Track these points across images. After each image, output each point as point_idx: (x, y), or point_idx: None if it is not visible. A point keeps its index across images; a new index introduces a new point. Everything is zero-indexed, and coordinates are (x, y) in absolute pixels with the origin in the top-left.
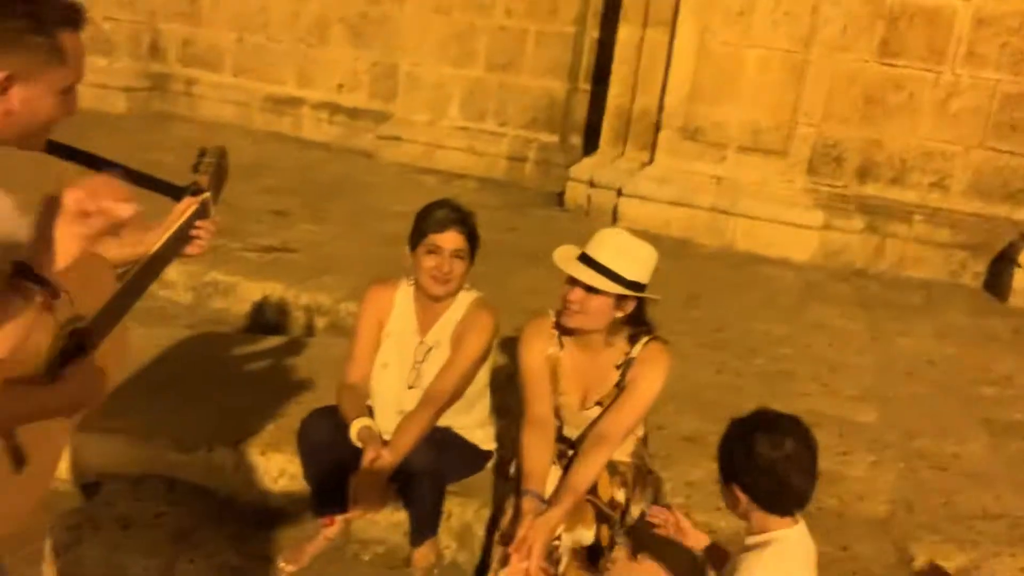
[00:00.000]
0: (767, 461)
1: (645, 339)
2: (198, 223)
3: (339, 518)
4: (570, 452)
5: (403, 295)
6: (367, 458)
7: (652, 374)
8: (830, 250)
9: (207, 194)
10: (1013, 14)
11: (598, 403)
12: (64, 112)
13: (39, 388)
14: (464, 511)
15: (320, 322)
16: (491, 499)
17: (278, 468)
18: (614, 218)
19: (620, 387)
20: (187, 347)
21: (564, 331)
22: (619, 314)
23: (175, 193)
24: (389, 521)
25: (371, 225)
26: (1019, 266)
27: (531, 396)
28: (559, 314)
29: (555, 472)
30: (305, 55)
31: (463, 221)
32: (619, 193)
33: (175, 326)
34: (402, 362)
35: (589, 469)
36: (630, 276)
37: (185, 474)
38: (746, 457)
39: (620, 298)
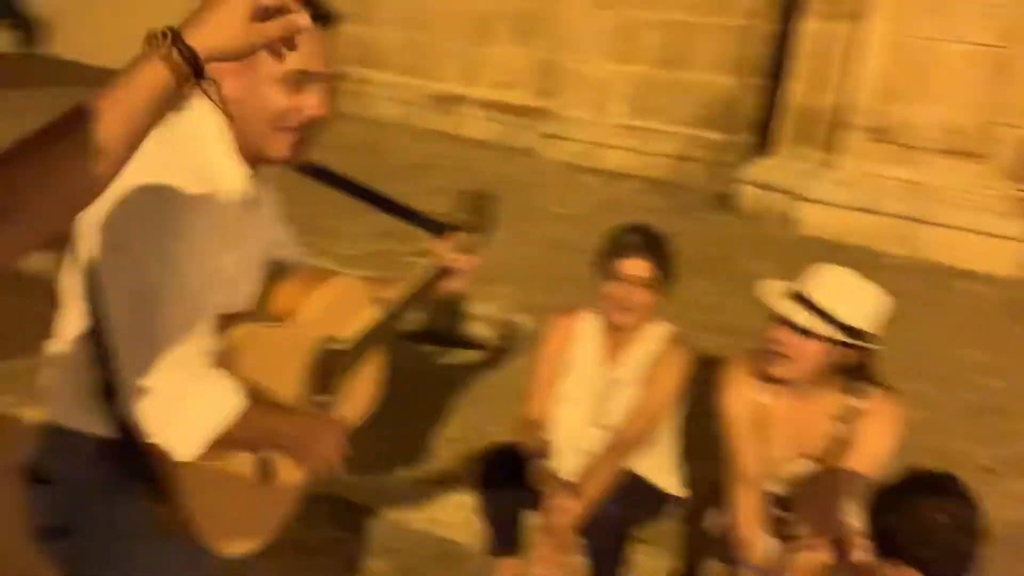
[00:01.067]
0: (932, 526)
1: (875, 390)
2: (461, 258)
3: (515, 562)
4: (781, 513)
5: (588, 325)
6: (551, 505)
7: (882, 432)
8: None
9: (471, 234)
10: None
11: (810, 457)
12: (291, 107)
13: (289, 410)
14: (653, 561)
15: (490, 333)
16: (684, 551)
17: (454, 500)
18: (789, 224)
19: (839, 442)
20: None
21: (766, 377)
22: (834, 362)
23: (435, 228)
24: (569, 568)
25: (535, 229)
26: None
27: (738, 450)
28: (762, 358)
29: (766, 538)
30: (469, 53)
31: (652, 247)
32: (795, 197)
33: None
34: (585, 397)
35: None
36: (852, 321)
37: (359, 497)
38: (908, 526)
39: (838, 346)
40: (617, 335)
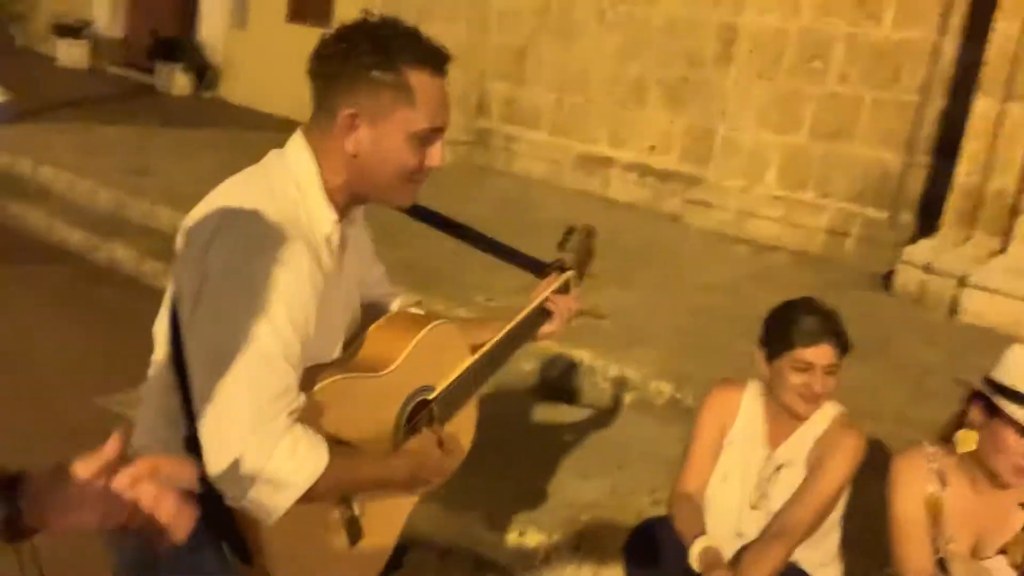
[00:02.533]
0: None
1: None
2: (558, 300)
3: None
4: None
5: (751, 399)
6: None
7: None
8: None
9: (570, 272)
10: None
11: (1002, 551)
12: (418, 163)
13: (380, 458)
14: None
15: (627, 398)
16: None
17: (592, 568)
18: (953, 310)
19: None
20: (496, 408)
21: (951, 458)
22: None
23: (538, 268)
24: None
25: (680, 295)
26: None
27: (907, 552)
28: (995, 465)
29: None
30: (620, 116)
31: (836, 331)
32: (961, 282)
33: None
34: (745, 477)
35: None
36: None
37: (494, 554)
38: None
39: None
40: (787, 415)
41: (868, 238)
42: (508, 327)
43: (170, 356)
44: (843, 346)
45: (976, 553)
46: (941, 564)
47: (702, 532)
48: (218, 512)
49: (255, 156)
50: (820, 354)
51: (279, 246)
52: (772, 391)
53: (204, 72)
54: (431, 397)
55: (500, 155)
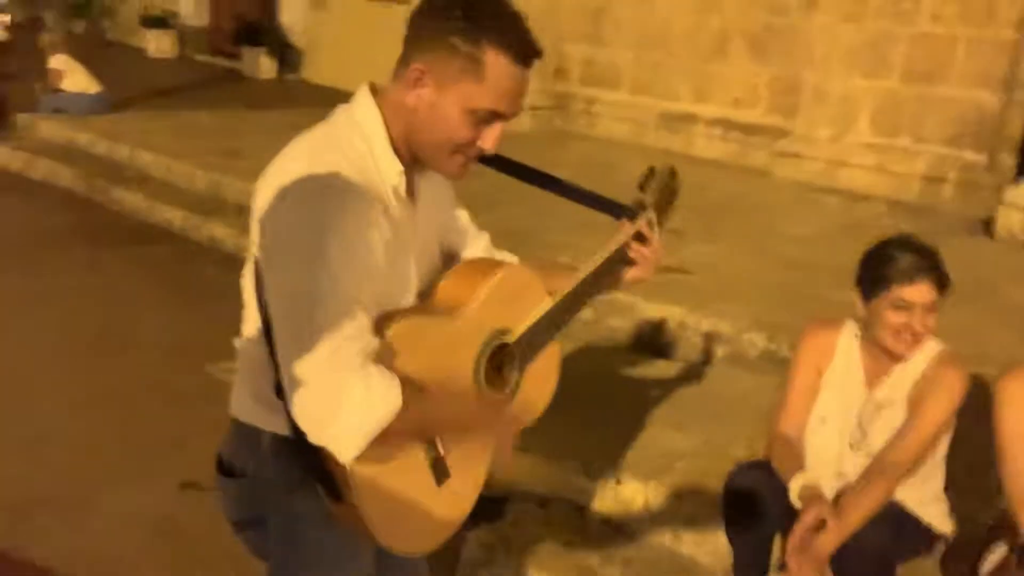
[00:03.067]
0: None
1: None
2: (638, 247)
3: None
4: None
5: (847, 340)
6: (809, 517)
7: None
8: None
9: (649, 214)
10: None
11: None
12: (470, 138)
13: (452, 401)
14: None
15: (720, 351)
16: None
17: (690, 512)
18: None
19: None
20: (589, 365)
21: None
22: None
23: (616, 211)
24: None
25: (769, 247)
26: None
27: (1016, 469)
28: None
29: None
30: (702, 71)
31: (935, 268)
32: None
33: (575, 340)
34: (844, 418)
35: None
36: None
37: (593, 502)
38: None
39: None
40: (885, 354)
41: (966, 182)
42: (585, 271)
43: (256, 307)
44: (942, 283)
45: None
46: None
47: (803, 470)
48: (309, 453)
49: None
50: (919, 292)
51: (345, 196)
52: (870, 331)
53: (287, 54)
54: (511, 340)
55: (581, 118)
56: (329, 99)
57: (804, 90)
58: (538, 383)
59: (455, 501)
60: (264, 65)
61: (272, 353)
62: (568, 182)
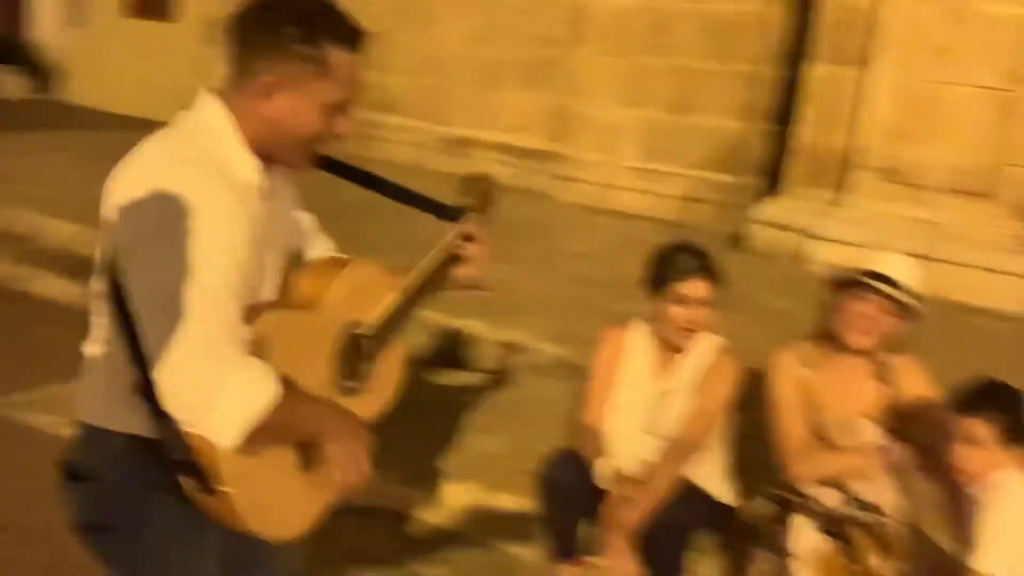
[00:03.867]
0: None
1: (906, 357)
2: (468, 245)
3: (575, 568)
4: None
5: (637, 337)
6: (610, 500)
7: (920, 382)
8: None
9: (473, 216)
10: None
11: (865, 415)
12: (330, 131)
13: (324, 400)
14: (708, 570)
15: (519, 361)
16: (737, 560)
17: (506, 508)
18: (801, 262)
19: (890, 398)
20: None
21: (817, 346)
22: (894, 333)
23: (442, 212)
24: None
25: (557, 265)
26: None
27: (786, 429)
28: (843, 334)
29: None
30: (480, 97)
31: (708, 266)
32: (807, 235)
33: None
34: (638, 406)
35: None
36: (916, 291)
37: (415, 510)
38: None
39: (904, 315)
40: (669, 347)
41: (720, 202)
42: (420, 270)
43: (111, 314)
44: (715, 280)
45: (847, 417)
46: (820, 430)
47: (604, 454)
48: (175, 450)
49: (107, 154)
50: (694, 288)
51: (206, 190)
52: (656, 327)
53: (41, 73)
54: (363, 332)
55: (364, 141)
56: (90, 119)
57: (574, 118)
58: (386, 377)
59: (318, 488)
60: (13, 83)
61: (132, 353)
62: (403, 186)
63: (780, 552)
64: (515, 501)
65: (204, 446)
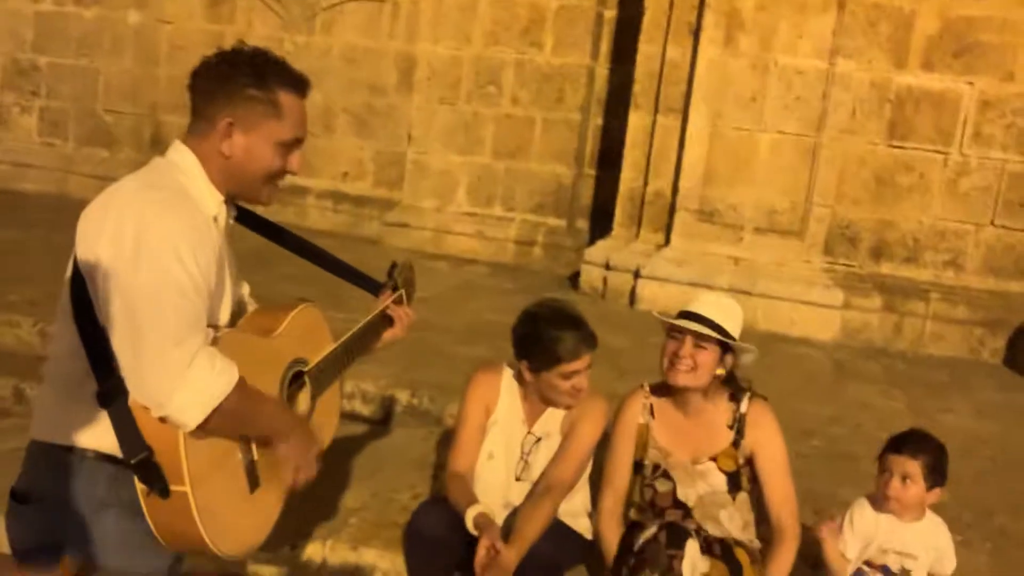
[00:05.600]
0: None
1: (747, 396)
2: (397, 309)
3: None
4: (689, 523)
5: (508, 383)
6: (483, 546)
7: (774, 436)
8: (851, 328)
9: (400, 291)
10: (1016, 96)
11: (712, 459)
12: (282, 167)
13: (280, 403)
14: None
15: (365, 410)
16: None
17: (370, 564)
18: (632, 300)
19: (737, 445)
20: None
21: (663, 392)
22: (720, 371)
23: (373, 286)
24: None
25: None
26: None
27: (612, 470)
28: (664, 373)
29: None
30: (310, 145)
31: (590, 336)
32: (636, 275)
33: None
34: (509, 453)
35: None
36: (731, 330)
37: (270, 571)
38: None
39: (722, 355)
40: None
41: (552, 244)
42: (361, 324)
43: (75, 328)
44: (596, 343)
45: (694, 461)
46: (665, 473)
47: (476, 501)
48: (135, 452)
49: None
50: (584, 361)
51: (181, 214)
52: (538, 392)
53: None
54: (306, 369)
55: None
56: None
57: (407, 165)
58: (324, 418)
59: (263, 509)
60: None
61: (95, 362)
62: (336, 258)
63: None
64: (380, 556)
65: (165, 445)
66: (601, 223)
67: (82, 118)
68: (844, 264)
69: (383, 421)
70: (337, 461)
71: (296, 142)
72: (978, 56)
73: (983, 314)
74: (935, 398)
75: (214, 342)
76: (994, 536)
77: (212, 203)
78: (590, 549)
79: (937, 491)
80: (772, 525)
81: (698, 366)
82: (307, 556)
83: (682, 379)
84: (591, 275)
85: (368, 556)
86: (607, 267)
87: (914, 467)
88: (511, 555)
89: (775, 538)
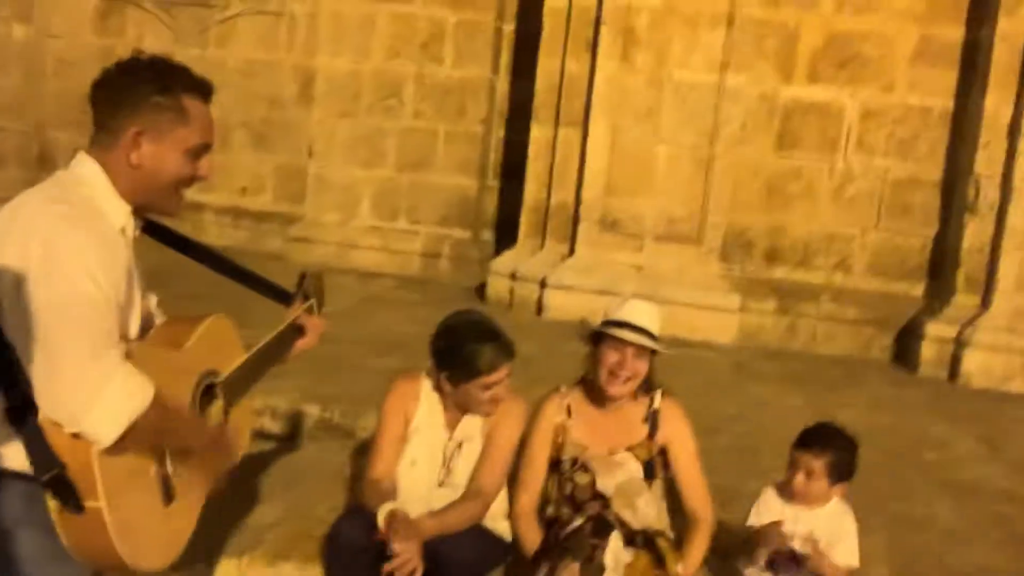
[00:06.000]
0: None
1: (659, 392)
2: (309, 319)
3: None
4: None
5: (428, 391)
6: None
7: (685, 429)
8: (748, 331)
9: (312, 301)
10: (896, 106)
11: (628, 449)
12: (191, 173)
13: (189, 413)
14: None
15: (277, 427)
16: None
17: None
18: (539, 309)
19: (652, 438)
20: None
21: (581, 392)
22: (643, 373)
23: (283, 297)
24: None
25: None
26: (924, 339)
27: (527, 474)
28: (603, 385)
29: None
30: None
31: (508, 347)
32: (542, 284)
33: None
34: (431, 459)
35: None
36: (658, 334)
37: None
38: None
39: (652, 355)
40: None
41: (457, 256)
42: (273, 334)
43: None
44: (513, 354)
45: (611, 452)
46: (584, 465)
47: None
48: (47, 469)
49: None
50: (502, 372)
51: (86, 224)
52: (456, 402)
53: None
54: (218, 381)
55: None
56: None
57: (308, 179)
58: (237, 430)
59: (178, 523)
60: None
61: (2, 382)
62: (244, 268)
63: (594, 568)
64: (300, 570)
65: (78, 460)
66: (506, 234)
67: None
68: (740, 269)
69: (292, 437)
70: (250, 477)
71: (204, 147)
72: (860, 67)
73: (872, 314)
74: (833, 393)
75: (128, 356)
76: (889, 523)
77: (120, 215)
78: (508, 551)
79: (842, 486)
80: (687, 514)
81: (637, 375)
82: (223, 573)
83: (621, 390)
84: (498, 285)
85: (286, 570)
86: (513, 277)
87: (818, 464)
88: (429, 523)
89: (690, 526)
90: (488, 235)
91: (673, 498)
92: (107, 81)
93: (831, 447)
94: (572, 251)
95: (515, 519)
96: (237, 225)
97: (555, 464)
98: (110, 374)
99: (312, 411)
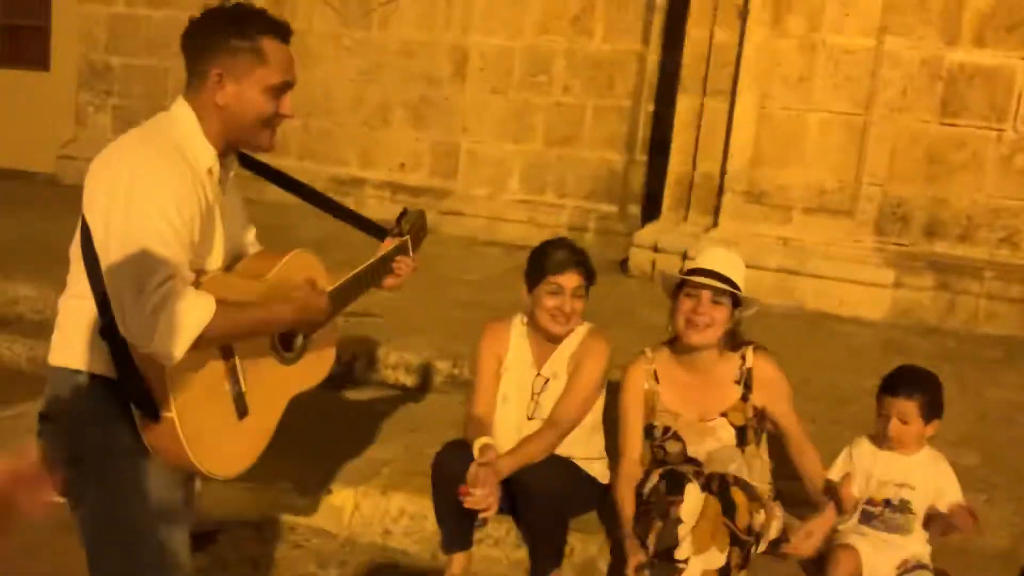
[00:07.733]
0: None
1: (751, 348)
2: (400, 259)
3: (467, 556)
4: (697, 475)
5: (517, 331)
6: (476, 462)
7: (781, 382)
8: (902, 308)
9: (407, 237)
10: None
11: (722, 414)
12: (274, 110)
13: (265, 302)
14: (587, 547)
15: (409, 379)
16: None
17: (398, 508)
18: None
19: (746, 400)
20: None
21: (667, 355)
22: (728, 326)
23: (379, 233)
24: (511, 559)
25: (445, 292)
26: None
27: (625, 439)
28: (681, 334)
29: (695, 493)
30: (368, 137)
31: (582, 261)
32: (684, 257)
33: None
34: (521, 395)
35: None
36: (740, 283)
37: (306, 517)
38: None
39: (733, 309)
40: (547, 338)
41: (604, 230)
42: (362, 267)
43: (84, 269)
44: (588, 273)
45: (703, 419)
46: (675, 435)
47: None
48: (130, 382)
49: None
50: (568, 279)
51: (168, 163)
52: (532, 317)
53: None
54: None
55: (250, 183)
56: None
57: (461, 155)
58: (320, 354)
59: (251, 436)
60: None
61: (99, 300)
62: (340, 203)
63: (671, 522)
64: (409, 501)
65: (154, 375)
66: (653, 209)
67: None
68: (896, 243)
69: (422, 390)
70: (373, 421)
71: (285, 85)
72: None
73: None
74: (984, 372)
75: (196, 284)
76: (1021, 497)
77: (206, 157)
78: (604, 495)
79: (935, 423)
80: (804, 482)
81: (714, 323)
82: (340, 500)
83: (700, 337)
84: (640, 258)
85: (397, 499)
86: (655, 250)
87: (910, 407)
88: (506, 461)
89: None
90: (635, 209)
91: (778, 459)
92: (191, 30)
93: (919, 388)
94: (716, 223)
95: (616, 484)
96: (394, 199)
97: (648, 430)
98: (174, 299)
99: (442, 367)
